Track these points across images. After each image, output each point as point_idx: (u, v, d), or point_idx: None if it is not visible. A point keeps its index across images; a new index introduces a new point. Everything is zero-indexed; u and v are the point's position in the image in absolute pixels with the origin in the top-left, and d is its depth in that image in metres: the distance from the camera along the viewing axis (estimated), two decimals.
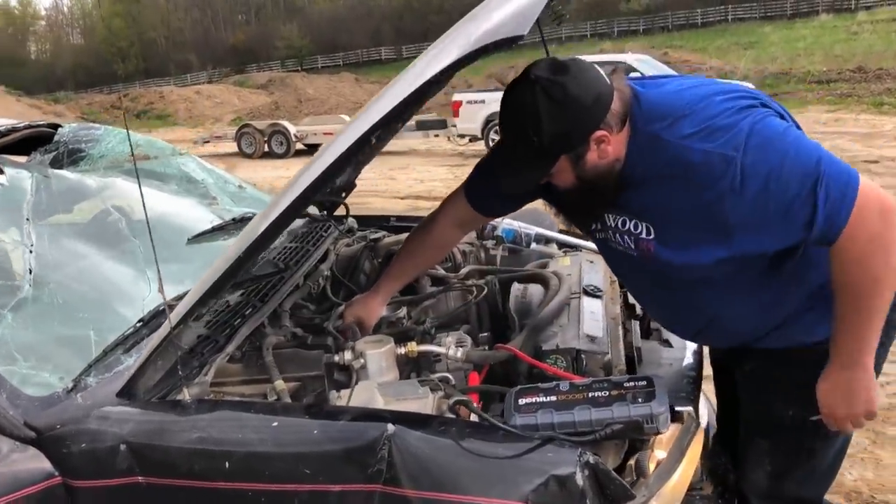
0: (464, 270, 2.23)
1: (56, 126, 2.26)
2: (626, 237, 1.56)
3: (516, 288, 2.04)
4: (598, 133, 1.43)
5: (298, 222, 2.46)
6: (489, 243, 2.41)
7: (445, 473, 1.32)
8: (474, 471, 1.32)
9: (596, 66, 1.47)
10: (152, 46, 63.74)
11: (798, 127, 1.52)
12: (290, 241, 2.27)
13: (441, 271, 2.23)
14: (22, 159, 2.07)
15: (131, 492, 1.40)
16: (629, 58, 14.02)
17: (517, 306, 1.97)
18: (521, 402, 1.49)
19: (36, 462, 1.39)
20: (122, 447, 1.39)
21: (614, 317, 1.93)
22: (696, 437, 1.58)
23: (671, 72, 14.34)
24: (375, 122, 1.34)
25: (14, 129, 2.08)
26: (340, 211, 2.57)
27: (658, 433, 1.42)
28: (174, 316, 1.45)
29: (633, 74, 2.85)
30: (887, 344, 1.60)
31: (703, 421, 1.78)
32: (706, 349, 1.97)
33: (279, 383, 1.59)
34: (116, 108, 31.19)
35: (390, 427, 1.35)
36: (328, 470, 1.35)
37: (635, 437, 1.46)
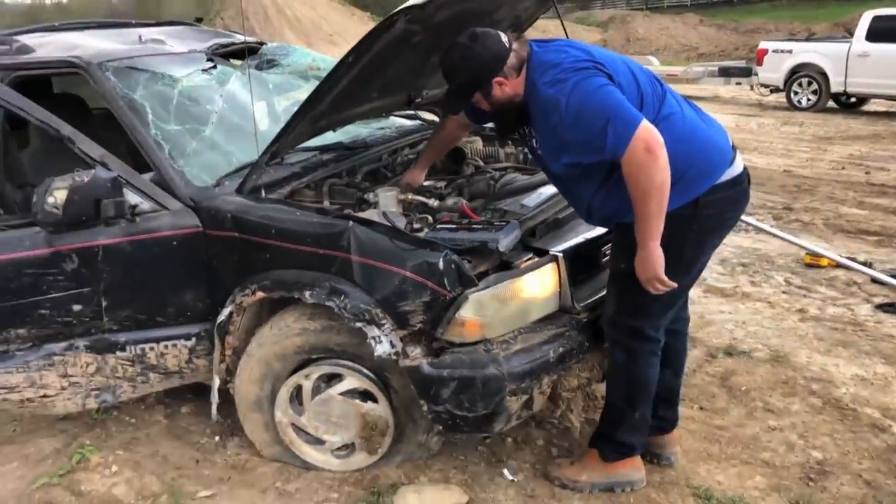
0: (498, 164, 3.18)
1: (262, 43, 3.61)
2: (533, 146, 2.44)
3: (508, 175, 2.95)
4: (497, 78, 2.30)
5: (410, 122, 3.56)
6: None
7: (373, 251, 2.38)
8: (388, 251, 2.36)
9: (501, 34, 2.34)
10: None
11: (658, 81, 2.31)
12: (393, 131, 3.38)
13: (480, 162, 3.20)
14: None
15: (231, 240, 2.64)
16: None
17: (502, 184, 2.90)
18: (438, 226, 2.48)
19: (192, 218, 2.68)
20: (229, 215, 2.63)
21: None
22: (545, 266, 2.43)
23: None
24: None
25: (233, 44, 3.47)
26: None
27: (498, 252, 2.33)
28: (265, 154, 2.65)
29: None
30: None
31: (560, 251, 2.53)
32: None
33: (326, 203, 2.74)
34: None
35: (351, 223, 2.43)
36: (319, 241, 2.47)
37: (482, 252, 2.36)
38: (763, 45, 15.34)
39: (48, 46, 3.21)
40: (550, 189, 2.77)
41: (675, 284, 2.26)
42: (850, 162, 8.95)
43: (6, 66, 3.00)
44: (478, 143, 3.43)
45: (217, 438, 2.99)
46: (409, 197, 2.76)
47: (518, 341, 2.41)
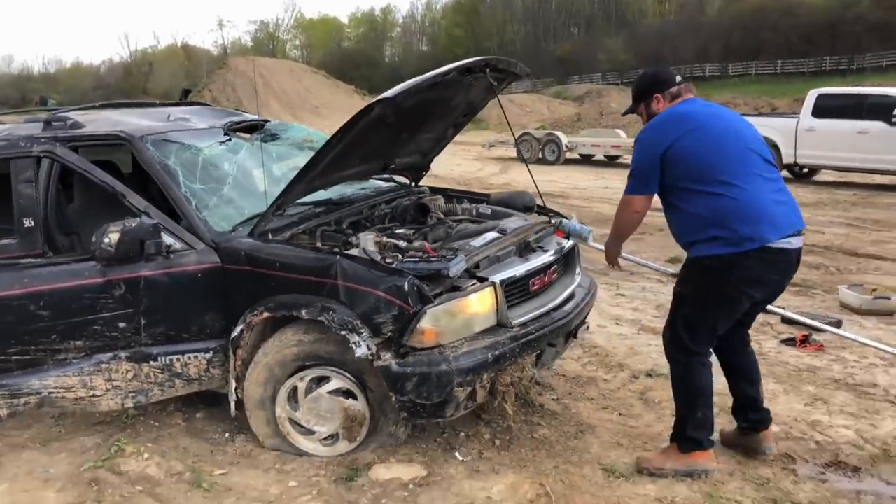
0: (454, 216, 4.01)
1: (267, 121, 4.48)
2: None
3: (462, 225, 3.78)
4: (656, 96, 3.21)
5: (386, 184, 4.40)
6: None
7: (355, 277, 3.16)
8: (366, 277, 3.14)
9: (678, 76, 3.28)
10: (486, 55, 69.53)
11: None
12: (372, 191, 4.21)
13: (441, 215, 4.02)
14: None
15: (244, 273, 3.41)
16: None
17: (457, 231, 3.71)
18: (404, 259, 3.28)
19: (214, 256, 3.46)
20: (243, 253, 3.41)
21: (507, 243, 3.57)
22: (484, 290, 3.22)
23: None
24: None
25: (244, 121, 4.33)
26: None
27: (448, 277, 3.12)
28: (271, 207, 3.45)
29: None
30: None
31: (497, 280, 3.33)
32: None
33: (318, 244, 3.53)
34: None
35: (338, 257, 3.22)
36: (313, 271, 3.25)
37: (437, 278, 3.14)
38: None
39: (95, 122, 4.02)
40: (493, 234, 3.59)
41: (618, 264, 3.38)
42: None
43: (64, 138, 3.79)
44: (440, 200, 4.26)
45: (227, 434, 3.70)
46: (384, 239, 3.55)
47: (464, 346, 3.18)
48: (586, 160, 19.92)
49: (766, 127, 15.20)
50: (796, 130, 14.55)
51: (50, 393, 3.47)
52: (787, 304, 5.92)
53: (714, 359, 3.33)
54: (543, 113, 39.28)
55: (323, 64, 68.11)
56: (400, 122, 3.62)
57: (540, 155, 19.57)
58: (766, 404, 3.52)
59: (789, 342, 5.06)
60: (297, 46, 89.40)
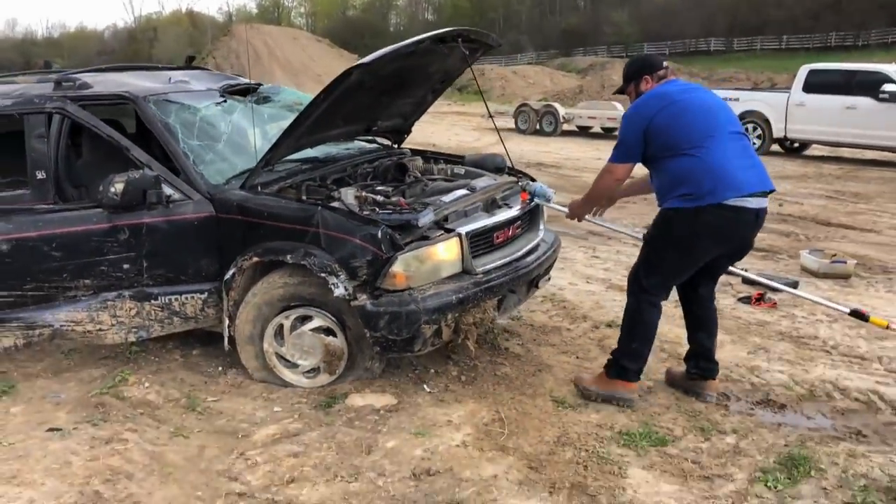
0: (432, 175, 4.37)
1: (260, 84, 4.84)
2: None
3: (436, 183, 4.15)
4: (645, 77, 3.57)
5: (370, 145, 4.76)
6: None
7: (334, 226, 3.54)
8: (344, 226, 3.52)
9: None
10: (490, 26, 69.13)
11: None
12: (356, 151, 4.57)
13: (419, 174, 4.39)
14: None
15: (236, 221, 3.79)
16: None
17: (431, 189, 4.08)
18: (379, 210, 3.66)
19: (209, 206, 3.83)
20: (235, 204, 3.79)
21: (475, 199, 3.93)
22: (450, 240, 3.59)
23: None
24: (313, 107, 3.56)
25: (239, 84, 4.69)
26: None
27: (417, 227, 3.49)
28: (261, 162, 3.81)
29: None
30: None
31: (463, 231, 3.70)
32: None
33: (303, 197, 3.90)
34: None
35: (320, 208, 3.59)
36: (298, 220, 3.62)
37: (407, 228, 3.51)
38: (719, 93, 16.80)
39: (102, 84, 4.37)
40: (462, 192, 3.96)
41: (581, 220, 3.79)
42: (771, 197, 10.17)
43: (73, 97, 4.14)
44: (419, 161, 4.62)
45: (220, 368, 4.11)
46: (364, 194, 3.92)
47: (431, 289, 3.56)
48: (583, 132, 20.17)
49: (758, 101, 15.55)
50: (787, 105, 14.83)
51: (61, 326, 3.86)
52: (751, 266, 6.30)
53: (678, 311, 3.77)
54: (546, 85, 39.36)
55: (327, 32, 67.94)
56: (379, 86, 3.97)
57: (538, 126, 19.83)
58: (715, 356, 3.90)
59: (745, 300, 5.44)
60: (301, 14, 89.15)
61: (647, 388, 3.92)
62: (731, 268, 5.84)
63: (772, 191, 3.50)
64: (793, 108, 14.75)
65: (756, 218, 3.49)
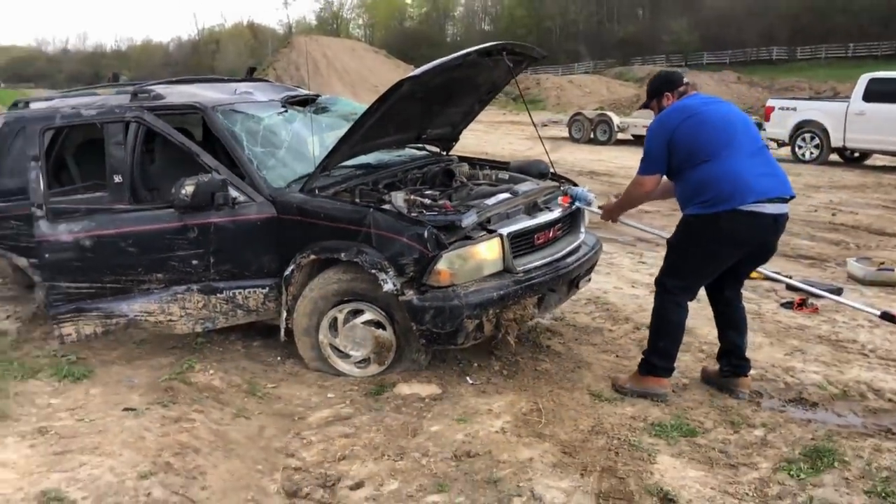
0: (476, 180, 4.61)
1: (319, 95, 5.17)
2: None
3: (481, 188, 4.39)
4: (666, 94, 3.79)
5: (419, 153, 5.04)
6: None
7: (384, 226, 3.81)
8: (394, 226, 3.79)
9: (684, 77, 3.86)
10: (547, 35, 69.28)
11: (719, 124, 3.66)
12: (408, 157, 4.85)
13: (465, 180, 4.64)
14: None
15: (295, 222, 4.09)
16: None
17: (476, 193, 4.33)
18: (426, 212, 3.91)
19: (271, 208, 4.14)
20: (295, 205, 4.09)
21: (517, 203, 4.16)
22: (492, 240, 3.83)
23: None
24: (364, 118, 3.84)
25: (299, 95, 5.02)
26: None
27: (461, 227, 3.74)
28: (318, 167, 4.11)
29: None
30: None
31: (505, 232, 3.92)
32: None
33: (357, 200, 4.19)
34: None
35: (372, 209, 3.87)
36: (351, 221, 3.91)
37: (451, 228, 3.76)
38: (770, 102, 16.70)
39: (174, 95, 4.74)
40: (505, 195, 4.20)
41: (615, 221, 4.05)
42: (826, 206, 10.16)
43: (149, 107, 4.51)
44: (465, 167, 4.87)
45: (279, 358, 4.42)
46: (412, 197, 4.18)
47: (473, 286, 3.80)
48: (638, 141, 20.12)
49: (816, 111, 15.39)
50: (846, 114, 14.64)
51: (136, 316, 4.22)
52: (797, 273, 6.38)
53: (708, 312, 4.02)
54: (602, 94, 39.29)
55: (385, 43, 68.95)
56: (429, 97, 4.24)
57: (592, 135, 19.91)
58: (749, 354, 4.04)
59: (787, 305, 5.53)
60: (360, 25, 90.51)
61: (683, 385, 4.08)
62: (773, 274, 5.96)
63: (792, 197, 3.64)
64: (852, 117, 14.55)
65: (775, 223, 3.64)
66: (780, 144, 16.28)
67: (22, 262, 4.81)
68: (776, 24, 57.20)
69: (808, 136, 15.52)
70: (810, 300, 5.52)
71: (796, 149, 15.74)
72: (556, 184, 4.70)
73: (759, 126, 16.79)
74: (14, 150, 4.85)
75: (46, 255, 4.15)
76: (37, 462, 3.23)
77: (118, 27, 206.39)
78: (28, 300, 5.28)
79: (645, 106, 4.06)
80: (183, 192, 4.01)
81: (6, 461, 3.24)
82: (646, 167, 3.76)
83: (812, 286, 5.83)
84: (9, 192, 4.84)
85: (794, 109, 15.91)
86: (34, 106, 5.09)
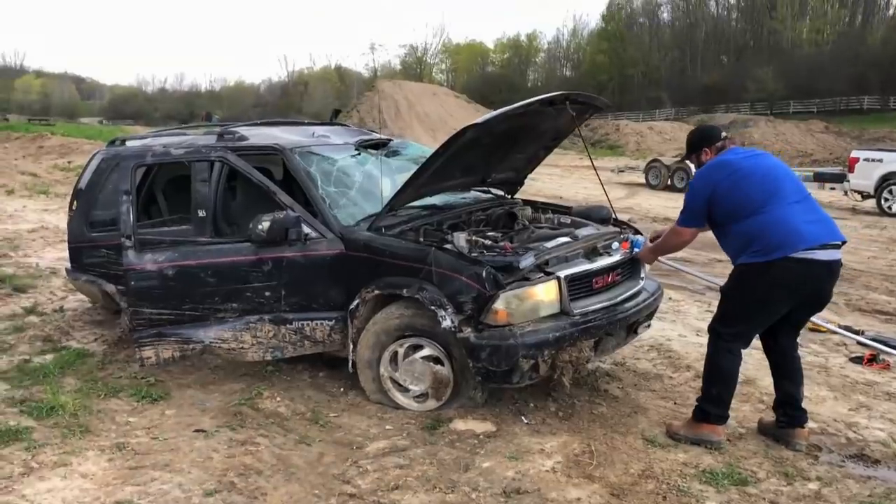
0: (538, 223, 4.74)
1: (391, 139, 5.41)
2: None
3: (541, 230, 4.51)
4: (704, 149, 3.94)
5: (485, 195, 5.20)
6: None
7: (445, 265, 3.97)
8: (454, 265, 3.95)
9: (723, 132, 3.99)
10: (629, 82, 69.29)
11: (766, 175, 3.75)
12: (473, 200, 5.02)
13: (527, 222, 4.77)
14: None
15: (362, 258, 4.29)
16: None
17: (536, 236, 4.45)
18: (486, 253, 4.06)
19: (340, 244, 4.35)
20: (362, 243, 4.30)
21: (576, 247, 4.26)
22: (549, 282, 3.93)
23: None
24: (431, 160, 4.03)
25: (372, 139, 5.27)
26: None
27: (518, 269, 3.86)
28: (386, 208, 4.32)
29: None
30: None
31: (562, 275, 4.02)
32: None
33: (420, 239, 4.36)
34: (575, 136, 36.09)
35: (434, 249, 4.04)
36: (414, 259, 4.08)
37: (509, 269, 3.88)
38: (854, 153, 16.30)
39: (256, 136, 5.06)
40: (565, 239, 4.30)
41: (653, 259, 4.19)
42: None
43: (233, 148, 4.82)
44: (528, 210, 5.01)
45: (342, 389, 4.59)
46: (474, 238, 4.33)
47: (530, 326, 3.90)
48: None
49: None
50: None
51: (211, 343, 4.48)
52: (871, 327, 6.23)
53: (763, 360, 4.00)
54: (682, 140, 38.82)
55: (466, 88, 70.11)
56: (493, 143, 4.41)
57: (669, 182, 19.76)
58: (812, 407, 4.00)
59: (857, 360, 5.40)
60: (443, 70, 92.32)
61: (740, 434, 4.05)
62: (843, 331, 5.84)
63: (843, 242, 3.66)
64: None
65: (829, 270, 3.65)
66: (865, 197, 15.86)
67: (110, 288, 5.17)
68: (867, 72, 55.60)
69: (895, 188, 15.06)
70: (881, 356, 5.39)
71: (882, 201, 15.29)
72: (616, 229, 4.78)
73: (843, 177, 16.44)
74: (110, 184, 5.25)
75: (132, 283, 4.46)
76: (113, 475, 3.48)
77: (213, 68, 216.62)
78: (114, 324, 5.65)
79: (687, 157, 4.16)
80: (259, 227, 4.27)
81: (86, 472, 3.50)
82: (685, 220, 3.88)
83: (885, 342, 5.71)
84: (102, 223, 5.24)
85: (881, 161, 15.50)
86: (129, 144, 5.52)
